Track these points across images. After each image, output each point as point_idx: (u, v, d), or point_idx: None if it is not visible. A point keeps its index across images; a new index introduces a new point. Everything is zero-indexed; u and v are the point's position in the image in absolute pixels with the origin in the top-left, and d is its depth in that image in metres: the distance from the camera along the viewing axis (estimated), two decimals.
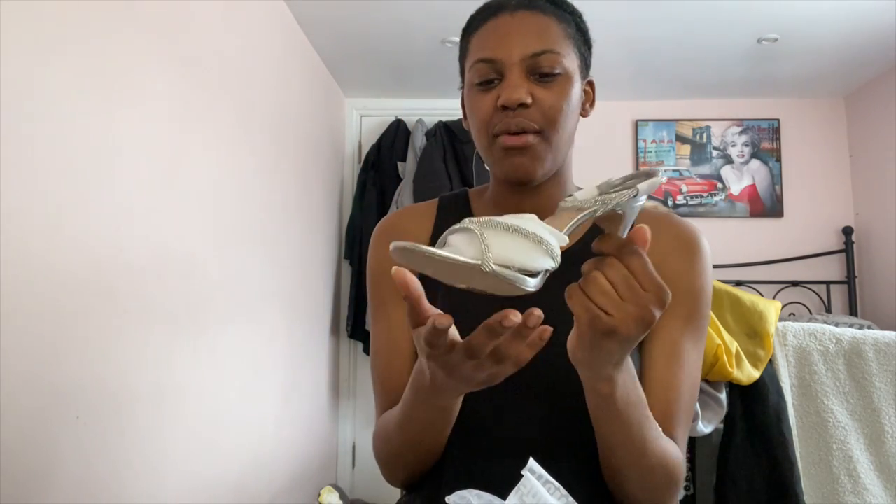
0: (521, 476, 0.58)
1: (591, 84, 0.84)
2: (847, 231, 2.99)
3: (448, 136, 2.94)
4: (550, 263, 0.49)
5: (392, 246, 0.48)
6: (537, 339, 0.52)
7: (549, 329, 0.52)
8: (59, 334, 1.07)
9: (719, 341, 1.44)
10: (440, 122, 3.00)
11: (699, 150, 3.17)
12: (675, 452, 0.72)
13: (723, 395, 1.51)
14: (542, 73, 0.74)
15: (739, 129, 3.16)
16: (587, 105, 0.83)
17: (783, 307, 2.86)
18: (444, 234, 0.52)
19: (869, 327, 2.45)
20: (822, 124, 3.14)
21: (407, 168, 2.95)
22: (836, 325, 2.17)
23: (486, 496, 0.58)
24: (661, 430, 0.71)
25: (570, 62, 0.76)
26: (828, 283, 2.97)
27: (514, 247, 0.48)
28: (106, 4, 1.20)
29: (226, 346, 1.72)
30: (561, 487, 0.59)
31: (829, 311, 2.93)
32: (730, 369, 1.45)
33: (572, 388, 0.73)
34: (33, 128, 1.02)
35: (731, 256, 3.01)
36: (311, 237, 2.58)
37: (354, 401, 3.11)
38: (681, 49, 2.60)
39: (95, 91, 1.17)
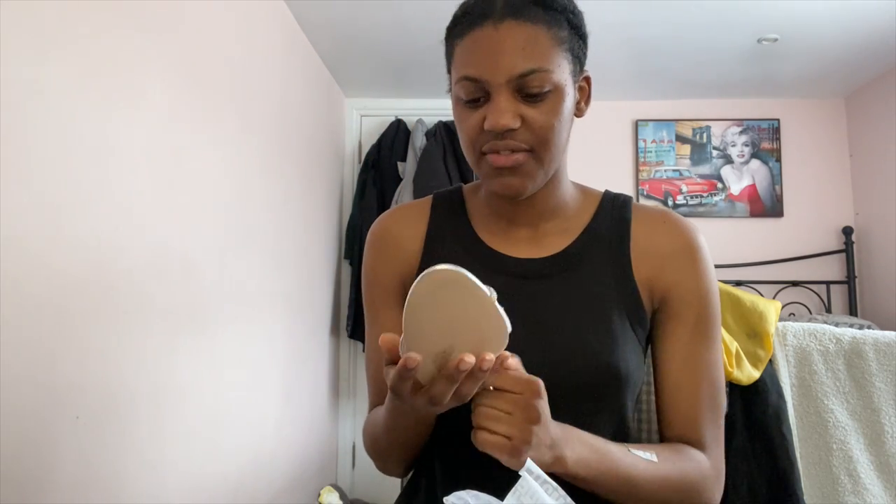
0: (519, 476, 0.59)
1: (587, 80, 0.79)
2: (847, 231, 2.99)
3: (448, 135, 2.94)
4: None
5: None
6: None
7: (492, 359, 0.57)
8: (59, 334, 1.07)
9: None
10: (440, 121, 3.00)
11: (699, 150, 3.17)
12: (693, 469, 0.73)
13: None
14: (531, 94, 0.70)
15: (739, 129, 3.16)
16: (582, 104, 0.79)
17: (783, 307, 2.86)
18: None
19: (869, 327, 2.45)
20: (822, 124, 3.14)
21: (407, 168, 2.95)
22: (836, 325, 2.17)
23: (484, 497, 0.58)
24: (677, 455, 0.72)
25: (561, 73, 0.72)
26: (828, 283, 2.96)
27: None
28: (106, 4, 1.20)
29: (226, 346, 1.72)
30: (559, 488, 0.59)
31: (829, 311, 2.93)
32: (730, 369, 1.45)
33: (570, 388, 0.73)
34: (33, 128, 1.02)
35: (731, 256, 3.01)
36: (311, 237, 2.58)
37: (354, 401, 3.11)
38: (681, 49, 2.60)
39: (95, 91, 1.17)
